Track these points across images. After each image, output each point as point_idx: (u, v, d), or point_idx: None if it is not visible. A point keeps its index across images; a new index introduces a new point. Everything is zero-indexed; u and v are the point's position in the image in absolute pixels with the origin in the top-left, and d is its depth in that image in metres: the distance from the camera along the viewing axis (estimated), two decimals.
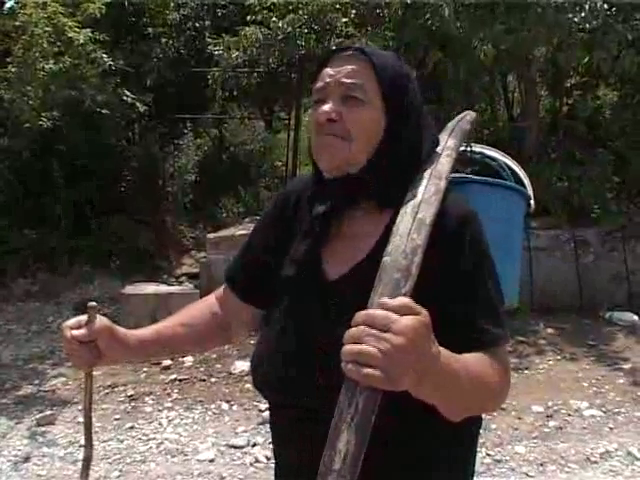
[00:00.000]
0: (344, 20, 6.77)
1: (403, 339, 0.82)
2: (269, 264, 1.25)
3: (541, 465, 3.55)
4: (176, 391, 4.58)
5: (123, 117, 7.79)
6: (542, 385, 4.60)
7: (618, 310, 5.90)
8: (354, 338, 0.84)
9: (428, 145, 1.17)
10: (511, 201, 1.52)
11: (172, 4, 8.81)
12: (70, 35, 6.68)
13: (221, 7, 8.96)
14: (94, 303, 1.25)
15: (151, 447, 3.81)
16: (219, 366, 4.95)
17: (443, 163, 1.16)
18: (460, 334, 1.04)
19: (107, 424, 4.07)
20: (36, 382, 4.81)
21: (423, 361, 0.86)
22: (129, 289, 5.82)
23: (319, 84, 1.15)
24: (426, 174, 1.12)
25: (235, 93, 8.35)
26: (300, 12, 6.72)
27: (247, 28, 6.87)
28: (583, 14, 6.13)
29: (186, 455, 3.72)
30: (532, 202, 1.56)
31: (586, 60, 6.57)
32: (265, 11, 6.96)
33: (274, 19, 6.79)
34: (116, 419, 4.16)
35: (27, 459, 3.69)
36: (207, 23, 8.96)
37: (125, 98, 7.31)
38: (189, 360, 5.02)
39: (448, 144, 1.23)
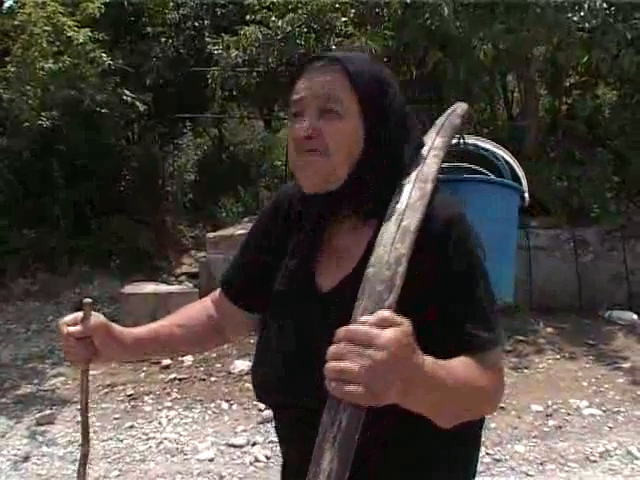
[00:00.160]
0: (343, 19, 6.78)
1: (385, 353, 0.82)
2: (262, 270, 1.26)
3: (541, 464, 3.55)
4: (176, 390, 4.58)
5: (122, 117, 7.79)
6: (542, 384, 4.60)
7: (617, 309, 5.91)
8: (336, 355, 0.84)
9: (411, 150, 1.15)
10: (510, 200, 1.51)
11: (171, 4, 8.83)
12: (69, 34, 6.69)
13: (220, 6, 8.96)
14: (89, 300, 1.25)
15: (151, 446, 3.81)
16: (219, 365, 4.96)
17: (430, 165, 1.14)
18: (449, 339, 1.04)
19: (107, 423, 4.08)
20: (35, 381, 4.81)
21: (407, 372, 0.85)
22: (128, 288, 5.82)
23: (295, 96, 1.13)
24: (412, 177, 1.11)
25: (234, 93, 8.35)
26: (299, 11, 6.73)
27: (246, 27, 6.87)
28: (582, 13, 6.13)
29: (186, 454, 3.72)
30: (527, 196, 1.54)
31: (585, 59, 6.57)
32: (264, 10, 6.96)
33: (273, 18, 6.80)
34: (116, 418, 4.16)
35: (26, 458, 3.70)
36: (206, 22, 8.97)
37: (125, 98, 7.31)
38: (189, 359, 5.03)
39: (436, 143, 1.21)
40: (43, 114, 6.69)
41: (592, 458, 3.60)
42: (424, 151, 1.18)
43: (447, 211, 1.09)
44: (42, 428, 4.04)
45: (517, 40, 5.91)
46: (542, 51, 6.77)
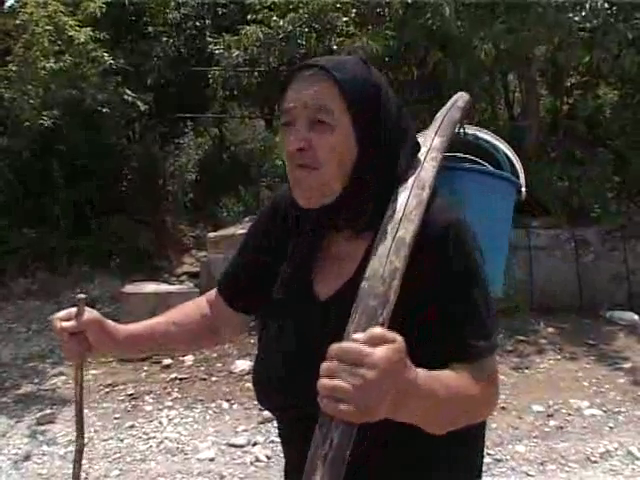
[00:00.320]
0: (345, 19, 6.78)
1: (376, 372, 0.82)
2: (261, 271, 1.26)
3: (541, 464, 3.55)
4: (176, 390, 4.58)
5: (123, 116, 7.79)
6: (542, 384, 4.60)
7: (618, 309, 5.90)
8: (328, 372, 0.85)
9: (407, 155, 1.13)
10: (510, 200, 1.50)
11: (172, 3, 8.82)
12: (71, 34, 6.70)
13: (221, 6, 8.96)
14: (83, 295, 1.26)
15: (151, 446, 3.81)
16: (219, 365, 4.96)
17: (427, 169, 1.12)
18: (448, 340, 1.04)
19: (107, 423, 4.08)
20: (36, 381, 4.81)
21: (399, 389, 0.86)
22: (129, 288, 5.82)
23: (285, 105, 1.12)
24: (408, 184, 1.09)
25: (235, 92, 8.35)
26: (301, 11, 6.72)
27: (248, 27, 6.87)
28: (583, 13, 6.13)
29: (186, 454, 3.72)
30: (523, 190, 1.53)
31: (586, 59, 6.57)
32: (266, 10, 6.96)
33: (275, 18, 6.79)
34: (116, 418, 4.16)
35: (27, 458, 3.70)
36: (207, 22, 8.98)
37: (126, 97, 7.31)
38: (189, 359, 5.03)
39: (434, 144, 1.19)
40: (44, 113, 6.69)
41: (593, 458, 3.60)
42: (422, 152, 1.17)
43: (446, 214, 1.09)
44: (43, 427, 4.04)
45: (518, 40, 5.91)
46: (543, 51, 6.77)
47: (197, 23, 8.95)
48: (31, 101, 6.62)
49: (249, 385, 4.32)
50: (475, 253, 1.09)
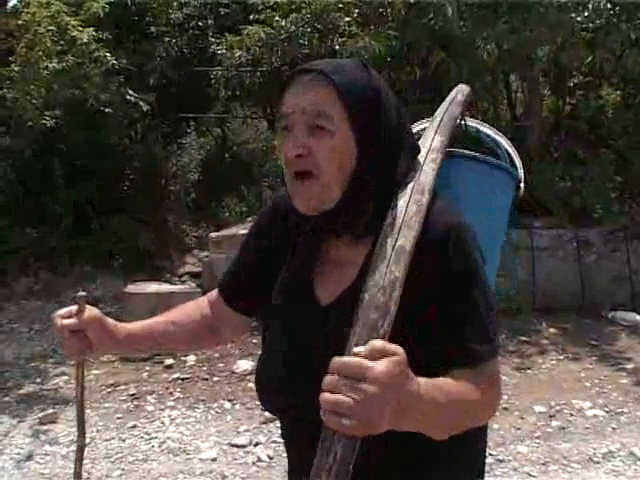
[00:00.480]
0: (347, 19, 6.78)
1: (377, 386, 0.82)
2: (262, 271, 1.26)
3: (543, 465, 3.54)
4: (178, 390, 4.58)
5: (126, 116, 7.79)
6: (544, 385, 4.60)
7: (621, 310, 5.90)
8: (330, 386, 0.85)
9: (407, 158, 1.13)
10: (509, 193, 1.48)
11: (175, 3, 8.83)
12: (73, 34, 6.69)
13: (224, 6, 8.96)
14: (84, 293, 1.26)
15: (153, 446, 3.81)
16: (221, 365, 4.96)
17: (427, 172, 1.12)
18: (445, 349, 1.04)
19: (109, 423, 4.08)
20: (38, 381, 4.81)
21: (401, 401, 0.86)
22: (131, 288, 5.83)
23: (283, 110, 1.10)
24: (408, 189, 1.09)
25: (238, 92, 8.33)
26: (303, 11, 6.73)
27: (250, 27, 6.87)
28: (586, 13, 6.14)
29: (188, 454, 3.72)
30: (522, 185, 1.51)
31: (589, 60, 6.56)
32: (268, 10, 6.96)
33: (277, 18, 6.80)
34: (118, 418, 4.16)
35: (29, 457, 3.70)
36: (210, 22, 8.97)
37: (128, 97, 7.31)
38: (191, 359, 5.03)
39: (434, 144, 1.18)
40: (47, 113, 6.70)
41: (595, 459, 3.59)
42: (422, 154, 1.17)
43: (447, 217, 1.09)
44: (45, 427, 4.05)
45: (520, 40, 5.91)
46: (545, 51, 6.75)
47: (200, 23, 8.94)
48: (34, 101, 6.62)
49: (251, 385, 4.32)
50: (475, 254, 1.09)
